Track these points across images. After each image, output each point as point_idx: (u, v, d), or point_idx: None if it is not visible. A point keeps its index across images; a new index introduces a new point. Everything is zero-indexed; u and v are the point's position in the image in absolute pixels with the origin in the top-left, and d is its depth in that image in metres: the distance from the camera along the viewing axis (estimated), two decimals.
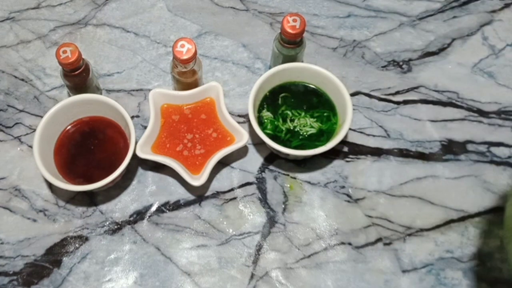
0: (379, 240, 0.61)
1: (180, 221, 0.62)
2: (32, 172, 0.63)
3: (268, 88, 0.64)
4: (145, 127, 0.63)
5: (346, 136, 0.65)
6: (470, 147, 0.66)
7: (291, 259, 0.60)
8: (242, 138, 0.61)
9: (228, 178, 0.64)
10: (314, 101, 0.64)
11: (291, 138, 0.63)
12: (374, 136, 0.67)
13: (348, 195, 0.63)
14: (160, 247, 0.60)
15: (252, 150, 0.66)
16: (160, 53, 0.72)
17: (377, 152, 0.66)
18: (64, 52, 0.59)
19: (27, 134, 0.66)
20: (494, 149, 0.66)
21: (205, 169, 0.60)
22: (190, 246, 0.60)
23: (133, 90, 0.69)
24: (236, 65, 0.71)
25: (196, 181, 0.58)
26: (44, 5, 0.75)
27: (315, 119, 0.63)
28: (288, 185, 0.64)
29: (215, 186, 0.64)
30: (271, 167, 0.65)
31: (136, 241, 0.60)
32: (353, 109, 0.60)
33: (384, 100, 0.69)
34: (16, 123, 0.67)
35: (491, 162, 0.65)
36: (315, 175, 0.64)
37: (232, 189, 0.63)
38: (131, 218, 0.62)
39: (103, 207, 0.62)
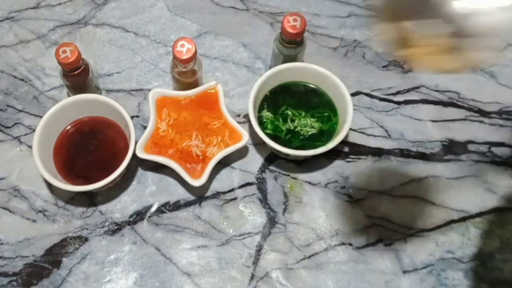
0: (379, 240, 0.61)
1: (180, 221, 0.61)
2: (32, 173, 0.63)
3: (268, 88, 0.64)
4: (145, 127, 0.63)
5: (346, 136, 0.64)
6: (471, 147, 0.66)
7: (292, 260, 0.60)
8: (242, 138, 0.61)
9: (228, 179, 0.64)
10: (315, 101, 0.64)
11: (292, 138, 0.62)
12: (375, 136, 0.67)
13: (349, 196, 0.63)
14: (160, 248, 0.60)
15: (252, 150, 0.65)
16: (160, 53, 0.72)
17: (378, 152, 0.66)
18: (64, 52, 0.59)
19: (26, 134, 0.66)
20: (495, 149, 0.66)
21: (205, 169, 0.60)
22: (190, 247, 0.60)
23: (133, 90, 0.69)
24: (236, 65, 0.71)
25: (196, 181, 0.58)
26: (43, 4, 0.75)
27: (315, 119, 0.63)
28: (289, 186, 0.63)
29: (215, 186, 0.63)
30: (271, 167, 0.64)
31: (136, 242, 0.60)
32: (354, 109, 0.60)
33: (385, 100, 0.69)
34: (16, 123, 0.67)
35: (492, 162, 0.65)
36: (316, 176, 0.64)
37: (232, 190, 0.63)
38: (131, 219, 0.61)
39: (102, 207, 0.62)
